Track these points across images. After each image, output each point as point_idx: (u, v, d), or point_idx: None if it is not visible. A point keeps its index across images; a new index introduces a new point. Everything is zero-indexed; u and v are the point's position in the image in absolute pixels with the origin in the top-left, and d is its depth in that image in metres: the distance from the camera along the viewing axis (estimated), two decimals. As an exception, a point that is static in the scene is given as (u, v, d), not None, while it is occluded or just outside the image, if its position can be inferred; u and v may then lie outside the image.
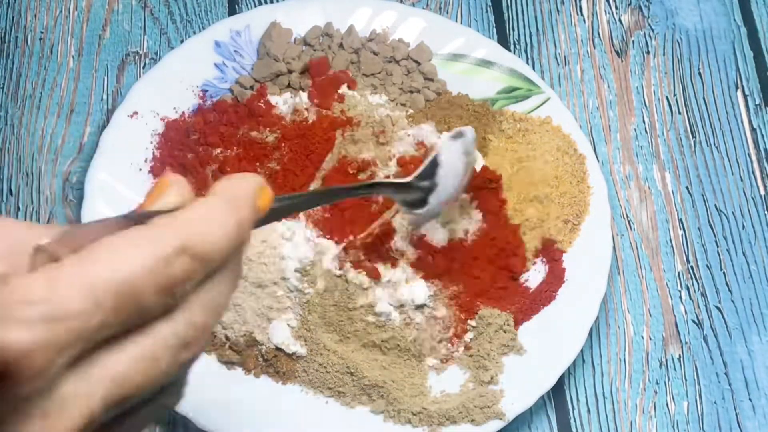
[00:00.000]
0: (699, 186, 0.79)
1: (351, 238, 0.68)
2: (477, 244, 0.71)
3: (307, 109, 0.73)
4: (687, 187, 0.78)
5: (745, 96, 0.82)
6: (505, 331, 0.69)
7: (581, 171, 0.75)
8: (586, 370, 0.72)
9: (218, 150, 0.72)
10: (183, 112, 0.75)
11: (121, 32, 0.82)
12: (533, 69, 0.81)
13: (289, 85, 0.76)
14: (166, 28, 0.82)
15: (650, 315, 0.74)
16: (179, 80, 0.76)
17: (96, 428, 0.34)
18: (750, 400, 0.71)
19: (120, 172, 0.72)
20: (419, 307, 0.68)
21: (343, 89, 0.75)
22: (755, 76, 0.83)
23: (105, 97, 0.79)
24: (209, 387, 0.66)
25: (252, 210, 0.37)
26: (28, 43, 0.81)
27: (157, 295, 0.34)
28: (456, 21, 0.83)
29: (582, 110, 0.81)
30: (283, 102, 0.74)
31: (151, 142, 0.74)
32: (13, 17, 0.82)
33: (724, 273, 0.75)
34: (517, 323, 0.70)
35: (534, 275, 0.72)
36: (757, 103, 0.82)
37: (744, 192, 0.78)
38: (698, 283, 0.75)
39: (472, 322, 0.69)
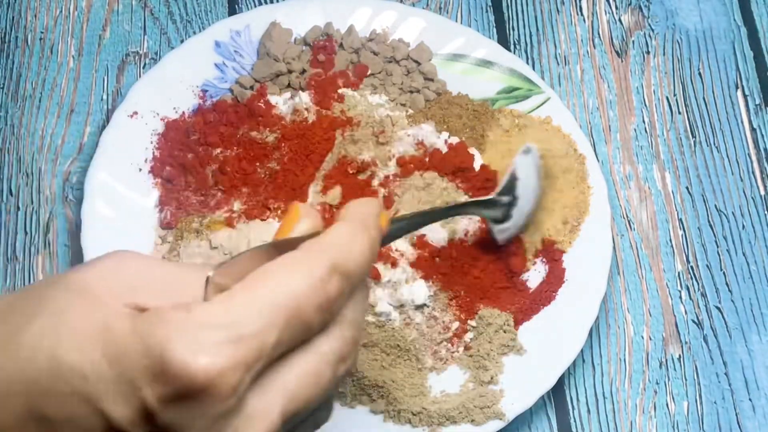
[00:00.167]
0: (699, 186, 0.79)
1: None
2: (477, 244, 0.71)
3: (307, 109, 0.73)
4: (687, 187, 0.78)
5: (745, 96, 0.82)
6: (505, 331, 0.69)
7: (581, 171, 0.75)
8: (586, 370, 0.72)
9: (218, 150, 0.72)
10: (183, 112, 0.75)
11: (121, 32, 0.82)
12: (533, 69, 0.81)
13: (289, 85, 0.76)
14: (166, 28, 0.82)
15: (650, 315, 0.74)
16: (179, 80, 0.76)
17: None
18: (750, 400, 0.71)
19: (120, 172, 0.72)
20: (419, 307, 0.68)
21: (343, 89, 0.75)
22: (755, 76, 0.83)
23: (105, 97, 0.79)
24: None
25: (379, 230, 0.42)
26: (28, 43, 0.81)
27: (318, 312, 0.37)
28: (456, 21, 0.83)
29: (582, 110, 0.81)
30: (283, 102, 0.74)
31: (151, 142, 0.74)
32: (13, 17, 0.82)
33: (724, 273, 0.75)
34: (517, 323, 0.70)
35: (534, 275, 0.72)
36: (757, 103, 0.82)
37: (744, 192, 0.78)
38: (698, 283, 0.75)
39: (472, 322, 0.69)
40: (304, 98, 0.74)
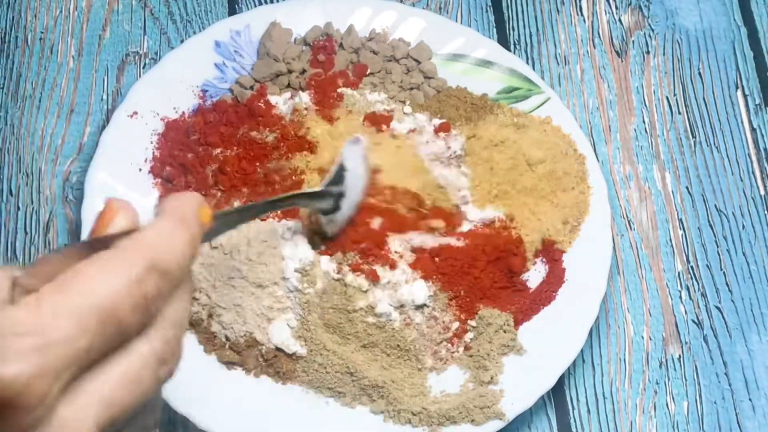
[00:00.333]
0: (699, 186, 0.79)
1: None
2: (477, 244, 0.71)
3: (306, 108, 0.73)
4: (687, 187, 0.78)
5: (745, 96, 0.82)
6: (505, 331, 0.69)
7: (581, 171, 0.75)
8: (586, 370, 0.72)
9: (218, 150, 0.72)
10: (183, 112, 0.75)
11: (121, 32, 0.82)
12: (533, 69, 0.81)
13: (289, 85, 0.76)
14: (166, 28, 0.82)
15: (650, 315, 0.74)
16: (179, 80, 0.76)
17: None
18: (750, 400, 0.71)
19: (120, 172, 0.72)
20: (419, 308, 0.68)
21: (343, 89, 0.75)
22: (755, 76, 0.83)
23: (105, 97, 0.79)
24: (209, 387, 0.66)
25: (200, 226, 0.40)
26: (28, 43, 0.81)
27: (134, 313, 0.35)
28: (456, 21, 0.83)
29: (582, 110, 0.81)
30: (283, 102, 0.74)
31: (151, 142, 0.74)
32: (13, 17, 0.82)
33: (724, 273, 0.75)
34: (517, 323, 0.70)
35: (534, 275, 0.72)
36: (757, 103, 0.82)
37: (744, 192, 0.78)
38: (698, 283, 0.75)
39: (472, 323, 0.69)
40: (304, 98, 0.74)
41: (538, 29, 0.84)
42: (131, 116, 0.74)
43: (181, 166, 0.72)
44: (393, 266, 0.68)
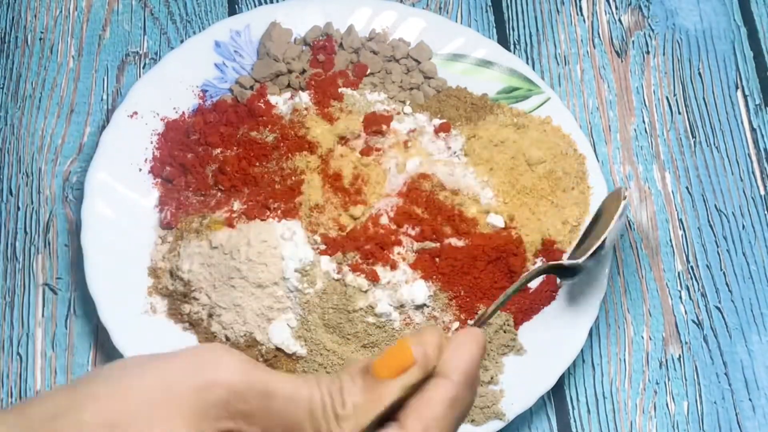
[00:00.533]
0: (699, 186, 0.79)
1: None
2: (477, 244, 0.71)
3: (306, 108, 0.73)
4: (687, 187, 0.78)
5: (745, 96, 0.82)
6: (505, 331, 0.69)
7: (581, 171, 0.75)
8: (586, 370, 0.72)
9: (218, 150, 0.72)
10: (183, 112, 0.75)
11: (121, 32, 0.82)
12: (533, 69, 0.81)
13: (289, 85, 0.76)
14: (166, 28, 0.82)
15: (650, 315, 0.74)
16: (179, 80, 0.76)
17: None
18: (750, 400, 0.71)
19: (120, 172, 0.72)
20: (419, 308, 0.68)
21: (342, 89, 0.75)
22: (755, 76, 0.83)
23: (105, 97, 0.79)
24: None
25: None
26: (28, 43, 0.81)
27: None
28: (456, 21, 0.83)
29: (582, 110, 0.81)
30: (283, 102, 0.74)
31: (151, 142, 0.74)
32: (13, 17, 0.82)
33: (724, 273, 0.75)
34: (517, 323, 0.70)
35: (534, 275, 0.72)
36: (757, 103, 0.82)
37: (744, 192, 0.78)
38: (698, 283, 0.75)
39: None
40: (304, 98, 0.74)
41: (538, 29, 0.84)
42: (131, 116, 0.74)
43: (181, 166, 0.72)
44: (393, 266, 0.68)
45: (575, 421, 0.70)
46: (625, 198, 0.65)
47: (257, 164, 0.71)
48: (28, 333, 0.71)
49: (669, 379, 0.72)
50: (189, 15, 0.83)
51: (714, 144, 0.80)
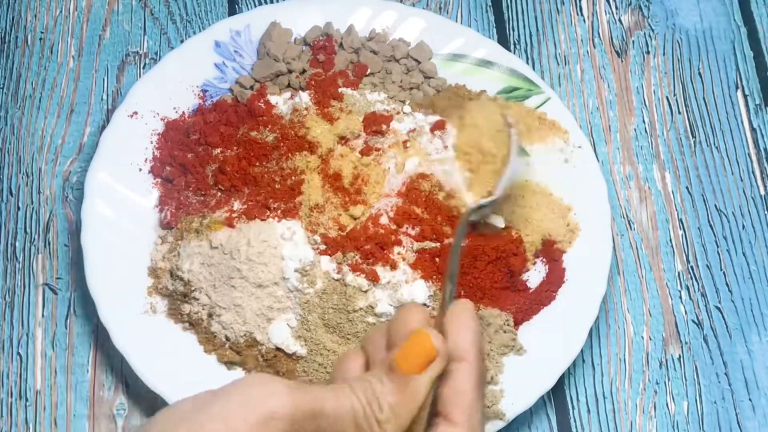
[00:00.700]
0: (699, 186, 0.79)
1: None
2: (477, 245, 0.71)
3: (306, 108, 0.73)
4: (687, 187, 0.78)
5: (745, 96, 0.82)
6: (505, 331, 0.69)
7: (581, 171, 0.74)
8: (586, 370, 0.72)
9: (218, 150, 0.72)
10: (183, 112, 0.75)
11: (121, 32, 0.82)
12: (533, 69, 0.81)
13: (289, 85, 0.76)
14: (166, 28, 0.82)
15: (650, 315, 0.74)
16: (179, 80, 0.76)
17: None
18: (750, 400, 0.71)
19: (120, 172, 0.72)
20: (419, 307, 0.68)
21: (343, 89, 0.75)
22: (755, 76, 0.83)
23: (105, 97, 0.79)
24: (209, 387, 0.66)
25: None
26: (28, 43, 0.81)
27: None
28: (456, 21, 0.83)
29: (582, 110, 0.81)
30: (283, 102, 0.74)
31: (151, 142, 0.74)
32: (13, 17, 0.82)
33: (724, 273, 0.75)
34: (517, 323, 0.70)
35: (534, 275, 0.72)
36: (757, 103, 0.82)
37: (744, 192, 0.78)
38: (698, 283, 0.75)
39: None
40: (304, 98, 0.74)
41: (538, 29, 0.84)
42: (131, 116, 0.74)
43: (181, 166, 0.72)
44: (393, 266, 0.68)
45: (575, 421, 0.70)
46: (511, 125, 0.70)
47: (257, 164, 0.71)
48: (28, 333, 0.71)
49: (669, 379, 0.72)
50: (189, 15, 0.83)
51: (714, 144, 0.80)
